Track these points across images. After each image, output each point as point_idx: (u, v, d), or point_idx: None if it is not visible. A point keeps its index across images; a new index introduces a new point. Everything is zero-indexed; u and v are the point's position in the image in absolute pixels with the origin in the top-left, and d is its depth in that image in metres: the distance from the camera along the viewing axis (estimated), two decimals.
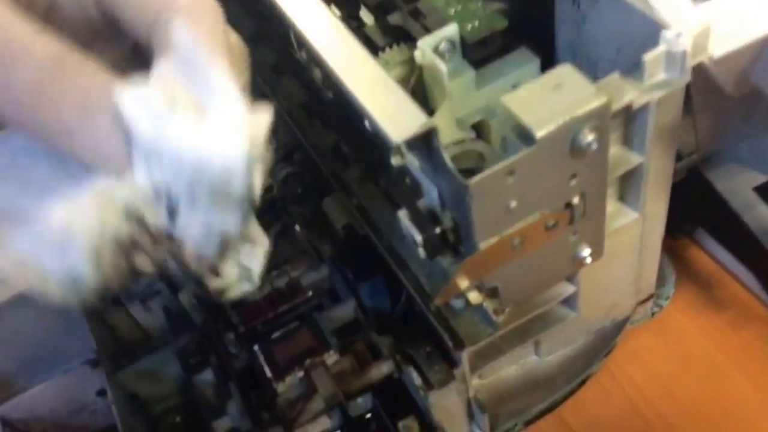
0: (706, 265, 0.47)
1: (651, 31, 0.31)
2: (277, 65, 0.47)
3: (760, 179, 0.42)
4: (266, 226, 0.44)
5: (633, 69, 0.28)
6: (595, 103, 0.26)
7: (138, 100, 0.21)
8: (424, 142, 0.27)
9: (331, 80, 0.30)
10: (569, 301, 0.39)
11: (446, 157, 0.26)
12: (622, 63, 0.34)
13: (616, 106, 0.27)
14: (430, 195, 0.30)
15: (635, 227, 0.36)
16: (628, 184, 0.33)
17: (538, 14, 0.38)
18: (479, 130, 0.38)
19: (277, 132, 0.46)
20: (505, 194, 0.27)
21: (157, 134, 0.22)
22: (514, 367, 0.42)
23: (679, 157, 0.40)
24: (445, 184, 0.28)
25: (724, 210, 0.42)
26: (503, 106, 0.27)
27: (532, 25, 0.38)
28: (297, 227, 0.42)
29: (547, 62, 0.38)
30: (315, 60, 0.31)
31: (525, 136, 0.26)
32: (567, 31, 0.37)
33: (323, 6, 0.32)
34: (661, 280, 0.44)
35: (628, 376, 0.44)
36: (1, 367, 0.51)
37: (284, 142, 0.45)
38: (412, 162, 0.28)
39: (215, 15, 0.24)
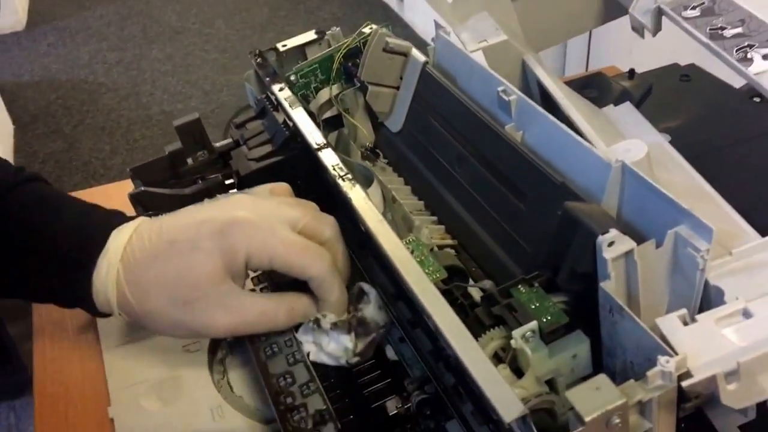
0: None
1: (656, 346, 0.52)
2: (395, 293, 0.70)
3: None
4: None
5: (642, 376, 0.49)
6: (620, 402, 0.47)
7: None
8: (522, 420, 0.48)
9: (454, 361, 0.52)
10: None
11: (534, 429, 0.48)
12: (641, 355, 0.55)
13: (632, 402, 0.48)
14: None
15: None
16: None
17: (589, 312, 0.59)
18: (551, 384, 0.59)
19: (412, 368, 0.68)
20: None
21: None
22: None
23: (686, 399, 0.60)
24: None
25: None
26: (567, 398, 0.48)
27: (585, 317, 0.60)
28: None
29: (596, 340, 0.60)
30: (446, 345, 0.53)
31: (578, 418, 0.47)
32: (607, 326, 0.58)
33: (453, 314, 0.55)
34: None
35: None
36: None
37: (418, 375, 0.67)
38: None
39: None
